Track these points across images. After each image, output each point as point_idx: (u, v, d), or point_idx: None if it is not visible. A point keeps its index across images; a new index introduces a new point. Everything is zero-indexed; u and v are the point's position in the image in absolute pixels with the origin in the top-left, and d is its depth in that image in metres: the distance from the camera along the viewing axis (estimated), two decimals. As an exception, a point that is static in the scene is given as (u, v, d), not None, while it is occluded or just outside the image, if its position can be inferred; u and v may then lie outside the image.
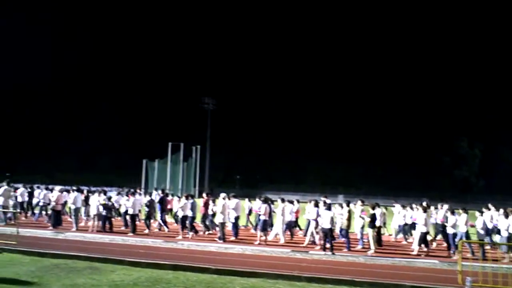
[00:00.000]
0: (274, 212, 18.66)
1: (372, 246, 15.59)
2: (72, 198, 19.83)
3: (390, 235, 19.99)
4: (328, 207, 15.63)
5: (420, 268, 13.16)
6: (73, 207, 19.57)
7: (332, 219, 15.21)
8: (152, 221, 20.45)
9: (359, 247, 16.36)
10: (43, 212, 22.04)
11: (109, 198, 20.02)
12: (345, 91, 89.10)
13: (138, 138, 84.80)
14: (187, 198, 18.63)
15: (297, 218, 19.36)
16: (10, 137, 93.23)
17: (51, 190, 22.34)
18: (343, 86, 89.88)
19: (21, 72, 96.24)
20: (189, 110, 76.50)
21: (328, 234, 15.03)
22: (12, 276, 10.05)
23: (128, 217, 19.39)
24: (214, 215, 19.74)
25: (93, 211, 18.92)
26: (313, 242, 16.57)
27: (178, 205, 18.81)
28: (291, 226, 18.57)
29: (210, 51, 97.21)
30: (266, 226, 17.08)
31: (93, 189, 25.61)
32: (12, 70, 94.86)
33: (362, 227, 16.66)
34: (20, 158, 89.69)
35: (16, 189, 23.36)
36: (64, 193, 21.07)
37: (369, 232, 15.80)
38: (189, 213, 17.89)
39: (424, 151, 78.05)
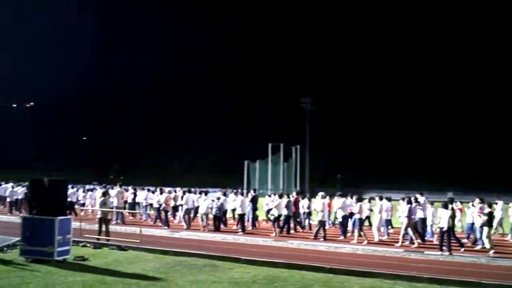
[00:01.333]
0: (371, 210, 18.37)
1: (488, 245, 14.58)
2: (184, 199, 20.82)
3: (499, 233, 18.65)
4: (445, 205, 14.87)
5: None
6: (184, 207, 20.53)
7: (450, 218, 14.45)
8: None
9: (479, 247, 15.38)
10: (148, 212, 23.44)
11: (218, 199, 20.71)
12: (454, 93, 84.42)
13: (239, 139, 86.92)
14: (280, 197, 19.04)
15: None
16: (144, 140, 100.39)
17: (153, 192, 23.70)
18: (449, 88, 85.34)
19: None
20: (288, 111, 76.98)
21: (445, 234, 14.33)
22: (140, 272, 10.75)
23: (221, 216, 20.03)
24: (310, 213, 20.21)
25: (202, 211, 19.66)
26: (411, 241, 16.01)
27: (272, 204, 19.13)
28: (389, 224, 18.20)
29: (308, 50, 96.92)
30: (362, 225, 16.84)
31: (196, 189, 26.72)
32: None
33: (481, 226, 15.62)
34: (135, 162, 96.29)
35: (126, 190, 25.09)
36: (173, 194, 22.33)
37: (486, 231, 14.83)
38: (284, 211, 18.14)
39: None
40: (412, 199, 16.45)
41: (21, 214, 21.63)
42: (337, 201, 18.11)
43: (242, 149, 68.28)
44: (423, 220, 16.96)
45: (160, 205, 21.00)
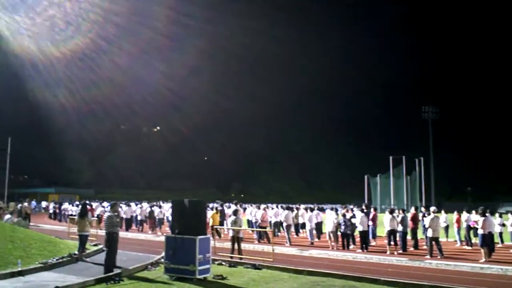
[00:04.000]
0: (503, 225, 16.79)
1: None
2: (283, 215, 21.06)
3: None
4: None
5: None
6: (284, 224, 20.70)
7: None
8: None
9: None
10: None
11: (344, 216, 20.12)
12: None
13: (359, 153, 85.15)
14: (391, 212, 18.21)
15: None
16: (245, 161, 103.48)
17: (258, 208, 24.10)
18: None
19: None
20: (409, 121, 73.93)
21: None
22: (279, 291, 10.68)
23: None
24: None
25: (328, 228, 19.26)
26: None
27: (384, 219, 18.29)
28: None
29: (430, 55, 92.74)
30: (486, 241, 15.51)
31: (310, 206, 26.75)
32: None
33: None
34: (256, 179, 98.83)
35: (244, 209, 25.82)
36: (272, 210, 23.58)
37: None
38: (399, 228, 17.52)
39: None
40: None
41: (163, 233, 23.02)
42: (480, 218, 16.54)
43: (362, 163, 66.62)
44: None
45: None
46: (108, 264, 12.24)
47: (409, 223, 18.72)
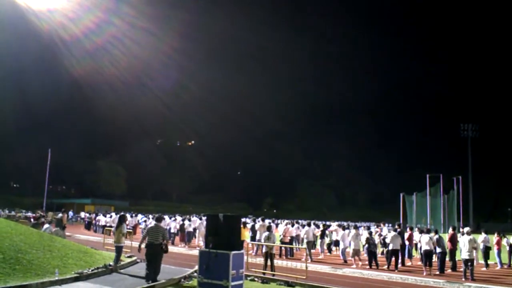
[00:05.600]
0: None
1: None
2: (303, 231, 21.12)
3: None
4: None
5: None
6: (305, 240, 20.64)
7: None
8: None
9: None
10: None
11: (370, 234, 19.84)
12: None
13: (395, 170, 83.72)
14: (427, 232, 17.90)
15: None
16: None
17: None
18: None
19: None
20: (447, 138, 72.33)
21: None
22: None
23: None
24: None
25: (353, 246, 19.09)
26: None
27: (418, 239, 17.88)
28: None
29: (470, 72, 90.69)
30: None
31: (343, 223, 26.57)
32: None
33: None
34: (289, 195, 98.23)
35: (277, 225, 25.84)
36: (296, 226, 23.66)
37: None
38: (437, 249, 17.12)
39: None
40: None
41: (193, 247, 23.06)
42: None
43: (398, 181, 65.42)
44: None
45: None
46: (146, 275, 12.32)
47: (447, 244, 18.21)
